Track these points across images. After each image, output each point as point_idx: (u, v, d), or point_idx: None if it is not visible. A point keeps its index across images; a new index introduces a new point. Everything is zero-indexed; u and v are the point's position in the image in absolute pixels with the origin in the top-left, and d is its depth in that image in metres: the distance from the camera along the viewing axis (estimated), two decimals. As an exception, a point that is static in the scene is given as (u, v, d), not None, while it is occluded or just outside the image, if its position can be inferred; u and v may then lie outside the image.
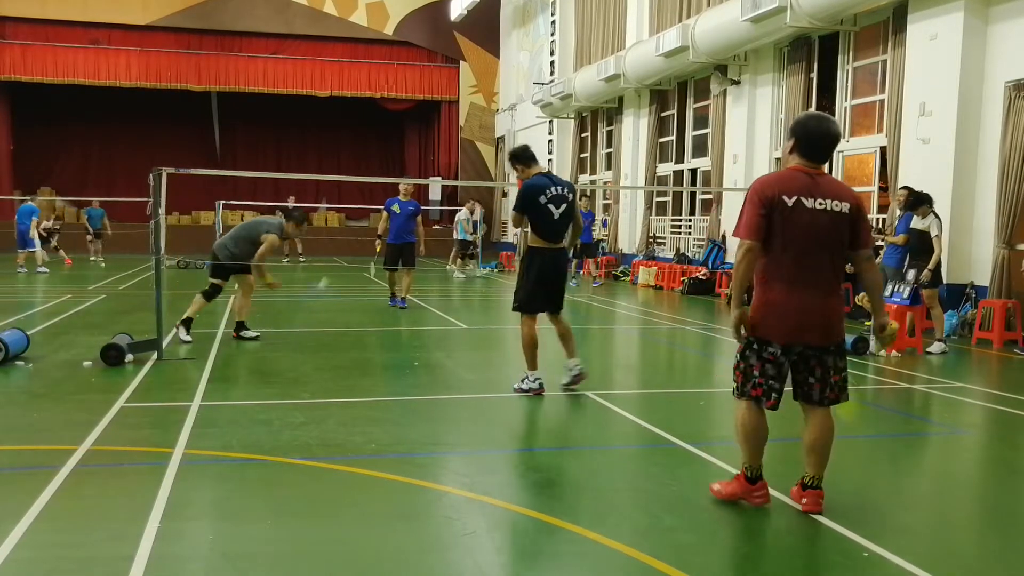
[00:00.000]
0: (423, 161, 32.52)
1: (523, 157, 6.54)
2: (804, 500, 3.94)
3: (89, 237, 22.34)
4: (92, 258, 21.83)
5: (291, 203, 24.10)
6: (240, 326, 8.99)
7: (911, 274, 9.08)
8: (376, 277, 15.56)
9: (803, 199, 3.70)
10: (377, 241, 13.03)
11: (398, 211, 12.03)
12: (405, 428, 5.53)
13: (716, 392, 6.85)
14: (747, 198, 3.80)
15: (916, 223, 9.15)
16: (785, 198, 3.69)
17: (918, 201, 9.11)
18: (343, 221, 30.18)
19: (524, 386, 6.46)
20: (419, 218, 12.33)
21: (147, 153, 27.54)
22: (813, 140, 3.81)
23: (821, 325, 3.79)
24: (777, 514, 4.01)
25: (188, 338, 8.53)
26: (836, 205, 3.74)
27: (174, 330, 8.58)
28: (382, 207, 12.57)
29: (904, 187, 9.87)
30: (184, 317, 8.65)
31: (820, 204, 3.71)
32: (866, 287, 4.10)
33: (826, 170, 3.91)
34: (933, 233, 8.97)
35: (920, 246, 9.05)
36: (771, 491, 4.24)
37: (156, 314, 7.70)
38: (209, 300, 8.79)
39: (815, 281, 3.76)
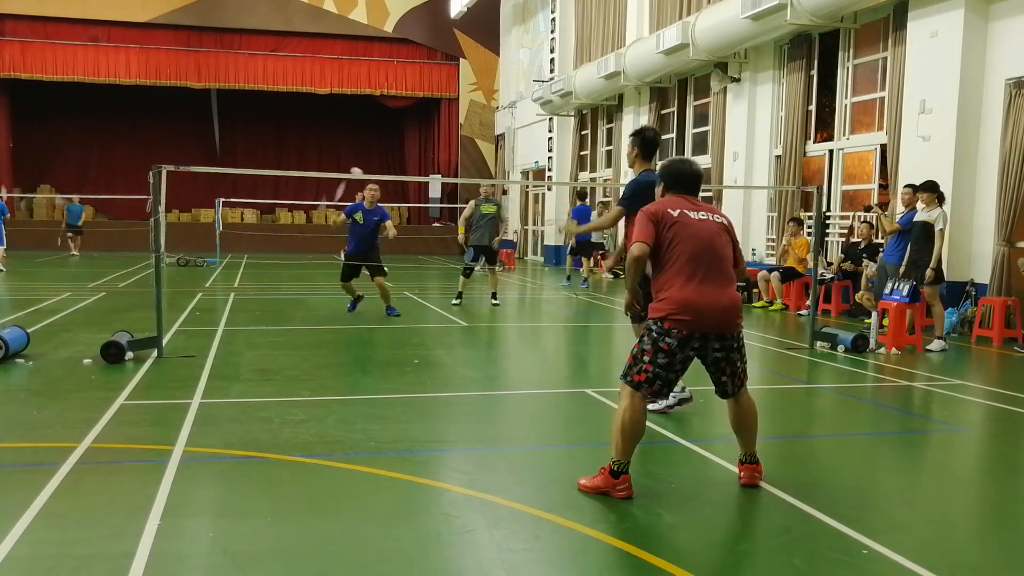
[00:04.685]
0: (423, 158, 32.48)
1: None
2: (741, 474, 4.36)
3: (70, 234, 22.31)
4: (73, 253, 21.90)
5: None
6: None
7: (913, 270, 9.08)
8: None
9: (686, 211, 4.25)
10: (341, 252, 11.36)
11: (362, 221, 10.58)
12: (405, 425, 5.54)
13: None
14: (636, 220, 4.31)
15: (921, 215, 9.15)
16: (670, 210, 4.23)
17: (929, 186, 9.10)
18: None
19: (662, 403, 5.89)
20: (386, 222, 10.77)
21: (147, 150, 27.56)
22: (679, 178, 4.39)
23: (720, 314, 4.11)
24: (777, 512, 4.02)
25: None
26: (716, 217, 4.32)
27: (174, 329, 8.55)
28: (382, 204, 11.51)
29: (908, 185, 9.85)
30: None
31: (703, 215, 4.27)
32: None
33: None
34: (938, 227, 8.97)
35: (925, 237, 9.06)
36: (767, 487, 4.25)
37: (156, 312, 7.70)
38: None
39: (710, 277, 4.13)
